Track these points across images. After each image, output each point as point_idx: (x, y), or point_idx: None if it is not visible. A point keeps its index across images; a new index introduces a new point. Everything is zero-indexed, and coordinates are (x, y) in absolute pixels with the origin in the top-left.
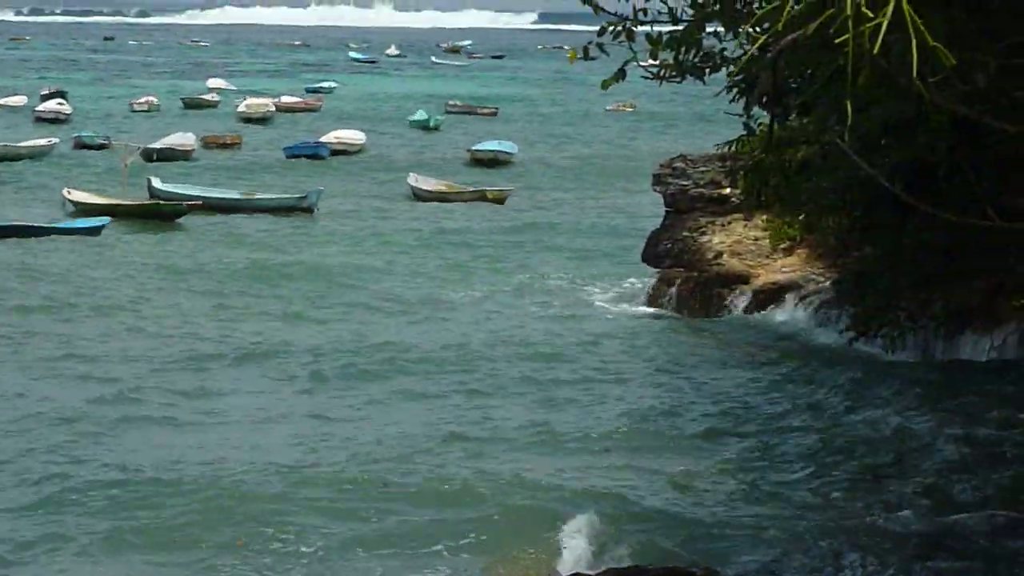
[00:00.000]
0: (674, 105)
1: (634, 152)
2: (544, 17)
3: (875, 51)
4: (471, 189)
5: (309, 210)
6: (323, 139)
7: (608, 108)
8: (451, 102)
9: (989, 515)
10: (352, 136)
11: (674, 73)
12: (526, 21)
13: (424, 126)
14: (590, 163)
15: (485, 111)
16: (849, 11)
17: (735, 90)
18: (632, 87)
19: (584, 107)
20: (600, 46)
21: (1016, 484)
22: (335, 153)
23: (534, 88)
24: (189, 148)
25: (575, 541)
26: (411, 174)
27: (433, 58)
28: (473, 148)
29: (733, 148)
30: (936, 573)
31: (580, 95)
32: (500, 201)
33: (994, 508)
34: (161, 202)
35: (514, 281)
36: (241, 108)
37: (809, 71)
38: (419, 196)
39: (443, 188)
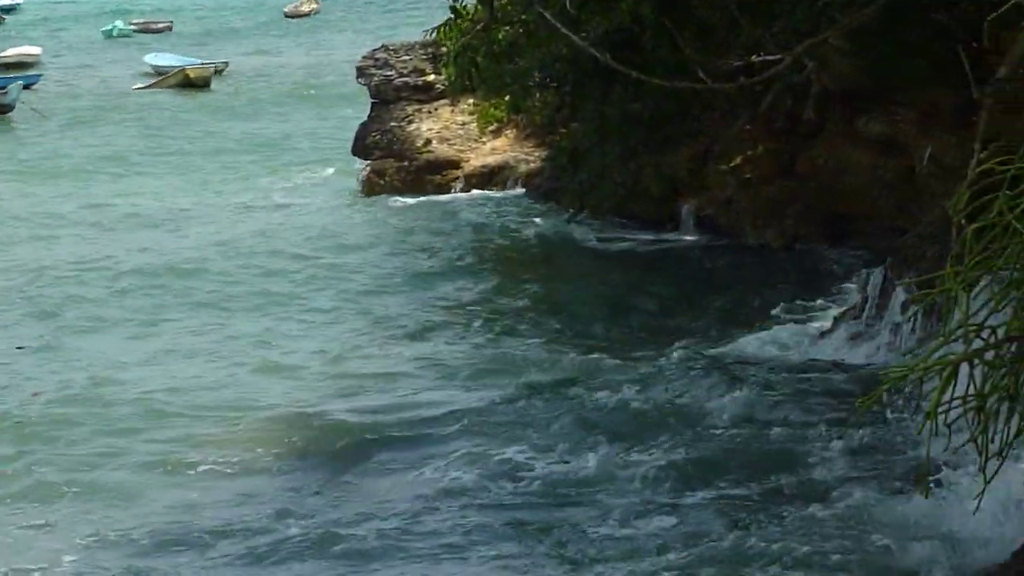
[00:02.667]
0: (356, 4)
1: (329, 51)
2: None
3: None
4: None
5: (9, 107)
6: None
7: (286, 11)
8: (133, 20)
9: None
10: (28, 51)
11: None
12: None
13: (110, 35)
14: (284, 67)
15: (160, 25)
16: None
17: None
18: None
19: (264, 13)
20: None
21: None
22: (11, 66)
23: None
24: None
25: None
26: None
27: None
28: (152, 64)
29: (439, 34)
30: None
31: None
32: (205, 81)
33: None
34: None
35: (232, 186)
36: None
37: None
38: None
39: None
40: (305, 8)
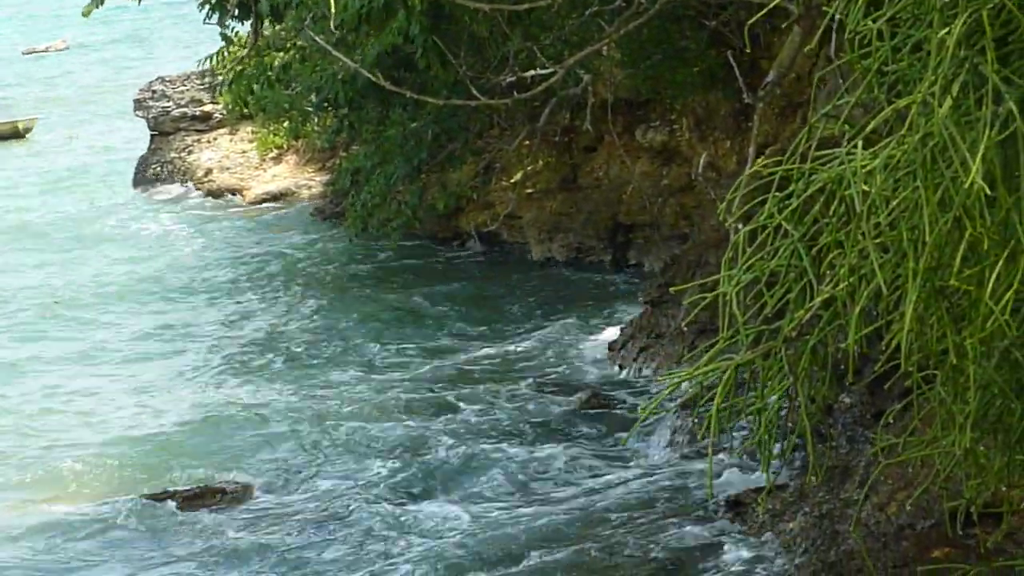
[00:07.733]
0: (111, 36)
1: (96, 85)
2: None
3: None
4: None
5: None
6: None
7: (24, 52)
8: None
9: None
10: None
11: None
12: None
13: None
14: (42, 106)
15: None
16: None
17: (208, 5)
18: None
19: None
20: None
21: None
22: None
23: None
24: None
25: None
26: None
27: None
28: None
29: (213, 62)
30: None
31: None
32: (28, 131)
33: None
34: None
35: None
36: None
37: None
38: None
39: None
40: (58, 46)
